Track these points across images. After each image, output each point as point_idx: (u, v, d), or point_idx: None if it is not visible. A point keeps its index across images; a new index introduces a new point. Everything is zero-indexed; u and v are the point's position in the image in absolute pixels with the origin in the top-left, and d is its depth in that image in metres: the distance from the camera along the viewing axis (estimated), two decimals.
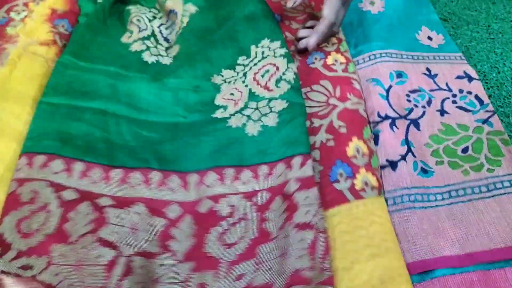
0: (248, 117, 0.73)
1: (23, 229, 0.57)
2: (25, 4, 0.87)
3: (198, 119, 0.75)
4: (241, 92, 0.77)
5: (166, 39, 0.90)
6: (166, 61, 0.84)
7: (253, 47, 0.85)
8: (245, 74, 0.81)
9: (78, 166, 0.64)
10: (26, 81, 0.73)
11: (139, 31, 0.87)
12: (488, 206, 0.67)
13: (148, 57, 0.84)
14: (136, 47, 0.85)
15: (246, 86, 0.78)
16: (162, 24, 0.92)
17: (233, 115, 0.74)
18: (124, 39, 0.86)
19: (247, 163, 0.68)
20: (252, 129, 0.72)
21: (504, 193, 0.68)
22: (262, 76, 0.79)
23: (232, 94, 0.78)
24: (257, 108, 0.74)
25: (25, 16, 0.85)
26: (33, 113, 0.70)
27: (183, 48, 0.86)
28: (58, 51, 0.81)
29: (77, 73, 0.76)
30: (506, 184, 0.68)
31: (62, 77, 0.75)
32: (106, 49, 0.83)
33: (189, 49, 0.85)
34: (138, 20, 0.89)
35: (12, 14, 0.86)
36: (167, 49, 0.88)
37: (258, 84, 0.78)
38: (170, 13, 0.92)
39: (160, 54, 0.85)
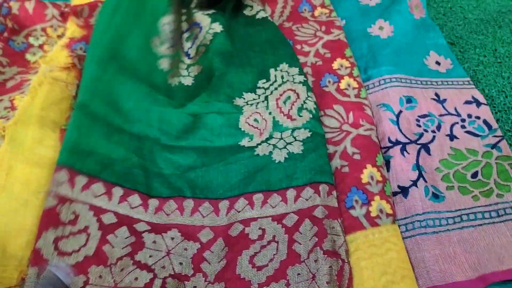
0: (274, 146, 0.76)
1: (61, 248, 0.59)
2: (43, 30, 0.90)
3: (225, 144, 0.77)
4: (266, 120, 0.79)
5: (187, 54, 0.91)
6: (188, 81, 0.87)
7: (272, 70, 0.87)
8: (266, 98, 0.83)
9: (118, 191, 0.67)
10: (47, 106, 0.75)
11: (169, 46, 0.89)
12: (498, 230, 0.68)
13: (171, 79, 0.86)
14: (163, 64, 0.87)
15: (270, 113, 0.80)
16: (182, 33, 0.93)
17: (259, 144, 0.76)
18: (156, 43, 0.88)
19: (275, 187, 0.70)
20: (279, 156, 0.74)
21: None
22: (284, 103, 0.81)
23: (256, 120, 0.80)
24: (281, 138, 0.76)
25: (44, 43, 0.87)
26: (55, 137, 0.72)
27: (206, 69, 0.88)
28: (78, 74, 0.83)
29: (110, 81, 0.78)
30: None
31: (97, 82, 0.77)
32: (137, 51, 0.84)
33: (211, 71, 0.87)
34: (171, 32, 0.91)
35: (31, 40, 0.88)
36: (188, 66, 0.89)
37: (281, 112, 0.80)
38: (193, 25, 0.94)
39: (181, 75, 0.87)
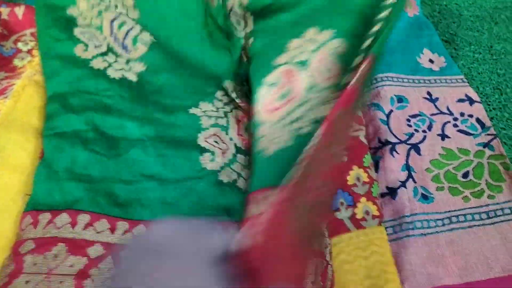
0: (239, 174, 0.69)
1: None
2: (32, 34, 0.89)
3: (180, 176, 0.68)
4: (226, 144, 0.72)
5: (124, 46, 0.82)
6: (132, 77, 0.79)
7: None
8: (226, 115, 0.76)
9: None
10: (30, 111, 0.74)
11: (95, 46, 0.81)
12: (488, 233, 0.67)
13: (113, 73, 0.78)
14: (97, 64, 0.79)
15: (231, 139, 0.73)
16: (114, 19, 0.83)
17: (223, 168, 0.69)
18: (79, 52, 0.80)
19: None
20: (244, 184, 0.68)
21: (504, 220, 0.68)
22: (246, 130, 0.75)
23: (216, 142, 0.72)
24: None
25: (32, 48, 0.87)
26: (36, 142, 0.71)
27: (151, 67, 0.81)
28: None
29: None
30: (507, 211, 0.69)
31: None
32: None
33: (159, 71, 0.80)
34: (90, 37, 0.81)
35: (20, 45, 0.87)
36: (127, 61, 0.81)
37: (243, 141, 0.74)
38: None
39: (123, 69, 0.79)
